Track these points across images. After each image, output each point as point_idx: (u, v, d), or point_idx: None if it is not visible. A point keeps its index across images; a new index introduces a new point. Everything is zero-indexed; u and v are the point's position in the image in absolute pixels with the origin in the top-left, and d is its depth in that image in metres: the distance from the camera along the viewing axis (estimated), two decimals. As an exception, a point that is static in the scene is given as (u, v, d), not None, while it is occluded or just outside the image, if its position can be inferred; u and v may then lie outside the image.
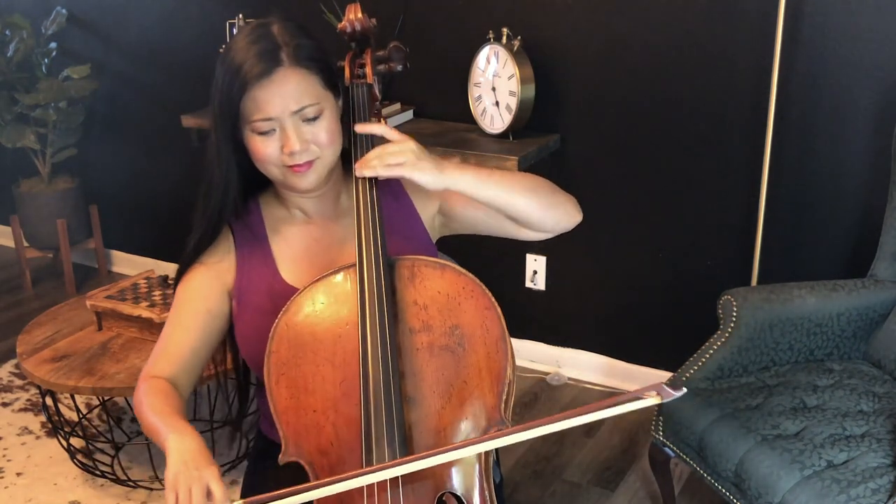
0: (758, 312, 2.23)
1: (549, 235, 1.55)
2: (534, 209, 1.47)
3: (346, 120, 1.51)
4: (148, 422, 1.37)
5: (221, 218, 1.50)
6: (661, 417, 2.26)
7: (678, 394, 1.18)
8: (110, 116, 3.92)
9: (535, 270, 3.18)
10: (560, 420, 1.20)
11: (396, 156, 1.38)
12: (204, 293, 1.51)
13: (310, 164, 1.42)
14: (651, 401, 1.18)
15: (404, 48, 1.57)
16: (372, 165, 1.39)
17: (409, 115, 3.14)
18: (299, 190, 1.47)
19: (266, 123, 1.39)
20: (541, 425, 1.20)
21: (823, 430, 2.00)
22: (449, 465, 1.31)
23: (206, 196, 1.48)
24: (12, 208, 4.00)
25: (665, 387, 1.18)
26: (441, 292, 1.37)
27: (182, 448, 1.26)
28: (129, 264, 4.15)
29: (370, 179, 1.44)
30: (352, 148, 1.50)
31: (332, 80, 1.45)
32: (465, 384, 1.33)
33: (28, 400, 3.12)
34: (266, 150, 1.41)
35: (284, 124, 1.39)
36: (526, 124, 2.86)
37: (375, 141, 1.46)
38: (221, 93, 1.39)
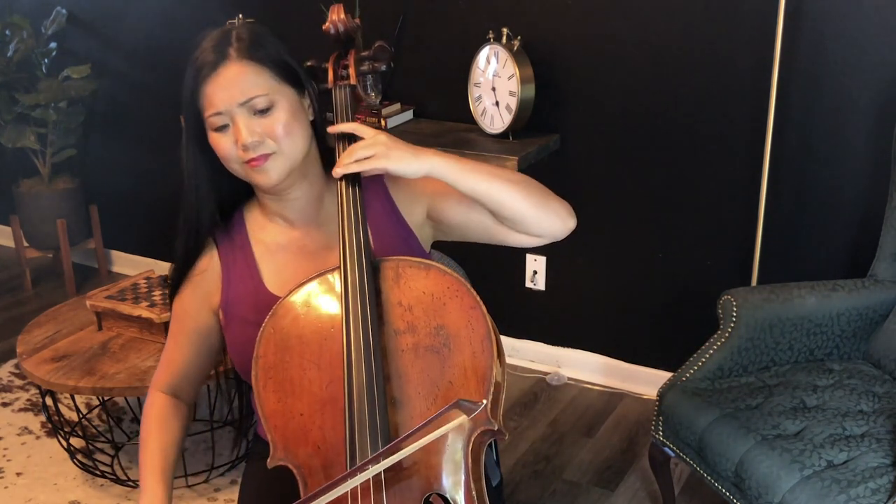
0: (758, 312, 2.23)
1: (541, 241, 1.50)
2: (522, 206, 1.43)
3: (332, 122, 1.52)
4: (140, 454, 1.50)
5: (201, 223, 1.50)
6: (661, 417, 2.26)
7: (478, 407, 1.23)
8: (110, 116, 3.93)
9: (535, 270, 3.18)
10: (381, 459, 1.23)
11: (366, 149, 1.38)
12: (192, 312, 1.56)
13: (265, 157, 1.41)
14: (458, 420, 1.21)
15: (389, 47, 1.56)
16: (344, 163, 1.39)
17: (409, 115, 3.14)
18: (262, 187, 1.46)
19: (218, 118, 1.40)
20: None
21: (823, 430, 2.00)
22: (434, 464, 1.30)
23: (182, 201, 1.50)
24: (12, 208, 4.00)
25: (462, 402, 1.21)
26: (426, 293, 1.36)
27: None
28: (129, 264, 4.15)
29: (353, 180, 1.43)
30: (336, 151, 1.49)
31: (289, 76, 1.44)
32: (450, 385, 1.32)
33: (28, 400, 3.12)
34: (224, 147, 1.41)
35: (234, 117, 1.39)
36: (526, 124, 2.86)
37: (354, 141, 1.46)
38: (183, 93, 1.43)
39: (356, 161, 1.38)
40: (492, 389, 1.31)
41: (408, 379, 1.32)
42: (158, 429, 1.52)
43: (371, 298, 1.34)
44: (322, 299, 1.39)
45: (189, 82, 1.41)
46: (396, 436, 1.30)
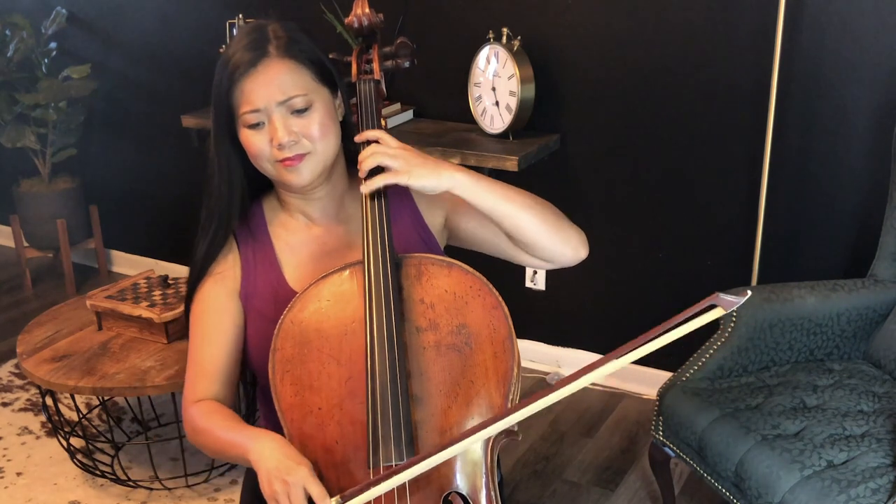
0: (758, 312, 2.23)
1: (551, 266, 1.50)
2: (537, 230, 1.43)
3: (354, 121, 1.51)
4: (218, 444, 1.39)
5: (231, 219, 1.49)
6: (661, 417, 2.26)
7: (741, 300, 1.08)
8: (110, 116, 3.93)
9: (535, 270, 3.18)
10: (604, 363, 1.13)
11: (387, 158, 1.37)
12: (222, 306, 1.50)
13: (300, 157, 1.41)
14: (713, 314, 1.08)
15: (411, 44, 1.56)
16: (366, 167, 1.38)
17: (409, 115, 3.14)
18: (293, 187, 1.46)
19: (254, 115, 1.39)
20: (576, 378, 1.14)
21: (823, 430, 2.00)
22: (455, 463, 1.31)
23: (209, 197, 1.48)
24: (12, 208, 4.00)
25: (722, 296, 1.08)
26: (448, 291, 1.36)
27: (265, 457, 1.27)
28: (129, 264, 4.15)
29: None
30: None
31: (326, 76, 1.44)
32: (471, 384, 1.32)
33: (28, 400, 3.12)
34: (257, 145, 1.41)
35: (272, 115, 1.39)
36: (526, 124, 2.86)
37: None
38: (215, 88, 1.41)
39: (380, 175, 1.37)
40: (512, 390, 1.32)
41: (429, 376, 1.33)
42: (217, 412, 1.41)
43: (394, 295, 1.34)
44: (343, 294, 1.38)
45: (223, 78, 1.39)
46: (416, 433, 1.30)
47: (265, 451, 1.28)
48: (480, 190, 1.40)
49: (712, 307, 1.09)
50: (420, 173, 1.36)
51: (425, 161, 1.39)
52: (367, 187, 1.38)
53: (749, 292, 1.11)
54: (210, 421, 1.41)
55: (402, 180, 1.37)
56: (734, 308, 1.09)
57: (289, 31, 1.42)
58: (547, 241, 1.45)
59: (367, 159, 1.38)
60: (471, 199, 1.40)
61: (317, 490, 1.22)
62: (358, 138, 1.46)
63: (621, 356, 1.14)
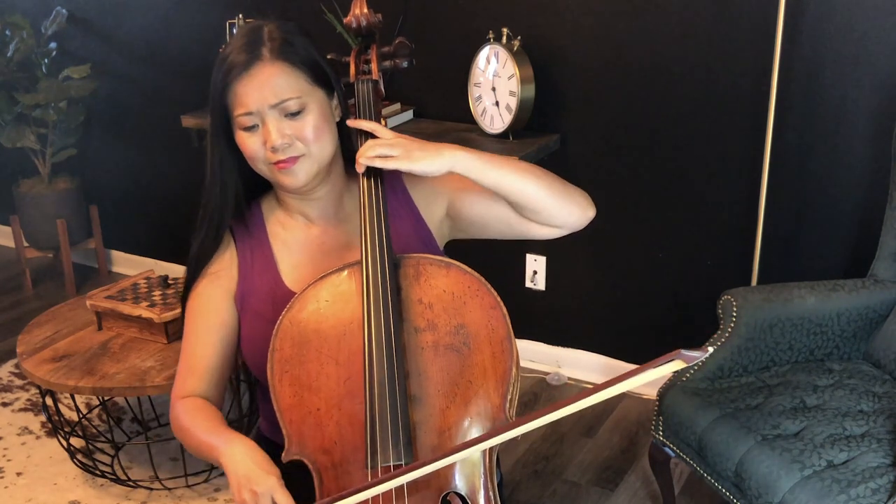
0: (758, 312, 2.23)
1: (562, 232, 1.51)
2: (544, 197, 1.43)
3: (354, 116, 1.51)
4: (195, 443, 1.40)
5: (223, 219, 1.50)
6: (661, 417, 2.26)
7: (701, 355, 1.12)
8: (110, 116, 3.93)
9: (535, 270, 3.18)
10: (572, 403, 1.17)
11: (387, 148, 1.38)
12: (214, 306, 1.51)
13: (294, 160, 1.41)
14: (673, 366, 1.13)
15: (409, 44, 1.56)
16: (366, 155, 1.39)
17: (409, 115, 3.14)
18: (288, 189, 1.46)
19: (248, 118, 1.40)
20: (549, 412, 1.17)
21: (823, 430, 2.00)
22: (453, 464, 1.31)
23: (205, 196, 1.49)
24: (12, 208, 4.00)
25: (685, 351, 1.12)
26: (446, 291, 1.36)
27: (236, 462, 1.28)
28: (129, 264, 4.15)
29: (375, 176, 1.43)
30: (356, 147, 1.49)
31: (321, 78, 1.44)
32: (469, 384, 1.32)
33: (28, 400, 3.12)
34: (251, 147, 1.41)
35: (265, 118, 1.39)
36: (526, 124, 2.86)
37: (370, 138, 1.46)
38: (212, 89, 1.42)
39: (377, 157, 1.37)
40: (511, 390, 1.32)
41: (427, 376, 1.33)
42: (201, 411, 1.42)
43: (392, 295, 1.34)
44: (341, 294, 1.38)
45: (218, 80, 1.40)
46: (415, 433, 1.30)
47: (236, 457, 1.28)
48: (483, 165, 1.40)
49: (673, 360, 1.13)
50: (419, 156, 1.37)
51: (423, 145, 1.39)
52: (364, 163, 1.38)
53: (710, 349, 1.14)
54: (192, 419, 1.42)
55: (402, 166, 1.37)
56: (695, 363, 1.13)
57: (284, 32, 1.42)
58: (556, 205, 1.45)
59: (366, 152, 1.38)
60: (474, 176, 1.40)
61: (284, 500, 1.23)
62: (350, 123, 1.46)
63: (583, 399, 1.19)
